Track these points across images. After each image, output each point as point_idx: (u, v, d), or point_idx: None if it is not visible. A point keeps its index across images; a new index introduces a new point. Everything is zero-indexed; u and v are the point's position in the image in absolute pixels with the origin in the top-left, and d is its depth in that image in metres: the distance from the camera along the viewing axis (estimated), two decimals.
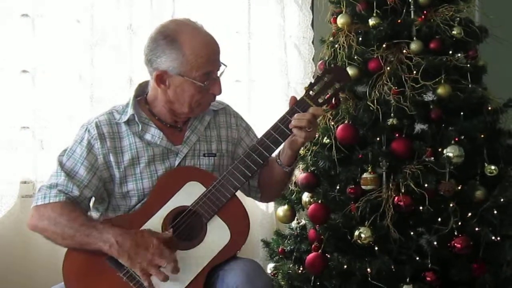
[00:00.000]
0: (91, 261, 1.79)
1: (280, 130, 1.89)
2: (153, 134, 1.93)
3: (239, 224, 1.85)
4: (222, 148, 2.02)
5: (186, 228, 1.83)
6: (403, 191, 2.27)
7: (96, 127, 1.90)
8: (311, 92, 1.93)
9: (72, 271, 1.80)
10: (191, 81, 1.87)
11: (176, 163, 1.94)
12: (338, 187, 2.44)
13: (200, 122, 2.01)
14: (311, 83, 1.96)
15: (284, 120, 1.91)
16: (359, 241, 2.29)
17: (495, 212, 2.32)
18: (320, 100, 1.93)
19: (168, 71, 1.87)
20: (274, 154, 1.98)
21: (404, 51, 2.44)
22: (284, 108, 3.18)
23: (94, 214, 1.97)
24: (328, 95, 1.94)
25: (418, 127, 2.45)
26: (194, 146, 1.97)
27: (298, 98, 1.95)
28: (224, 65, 1.93)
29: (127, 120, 1.92)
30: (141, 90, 2.01)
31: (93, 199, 1.94)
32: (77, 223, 1.79)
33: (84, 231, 1.77)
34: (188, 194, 1.85)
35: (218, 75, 1.92)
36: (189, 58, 1.85)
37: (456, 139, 2.33)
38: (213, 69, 1.90)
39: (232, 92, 3.02)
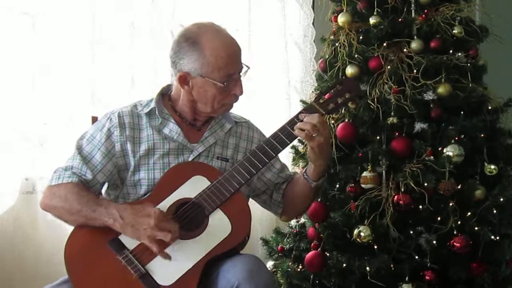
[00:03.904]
0: (93, 243, 1.85)
1: (287, 132, 1.94)
2: (172, 129, 1.99)
3: (241, 219, 1.87)
4: (238, 158, 2.06)
5: (188, 219, 1.87)
6: (402, 190, 2.27)
7: (118, 117, 1.98)
8: (321, 100, 1.99)
9: (74, 251, 1.85)
10: (211, 81, 1.92)
11: (190, 160, 1.98)
12: (337, 186, 2.44)
13: (221, 128, 2.06)
14: (321, 91, 2.03)
15: (292, 123, 1.95)
16: (358, 239, 2.29)
17: (495, 211, 2.32)
18: (329, 107, 1.99)
19: (190, 72, 1.93)
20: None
21: (405, 50, 2.44)
22: (285, 106, 3.22)
23: None
24: (337, 103, 1.99)
25: (418, 126, 2.46)
26: (210, 148, 2.02)
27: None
28: (247, 66, 1.98)
29: (148, 112, 1.99)
30: (167, 89, 2.07)
31: (106, 184, 2.00)
32: (84, 199, 1.86)
33: (91, 206, 1.84)
34: (193, 187, 1.89)
35: (240, 75, 1.97)
36: (210, 59, 1.90)
37: (456, 138, 2.33)
38: (234, 70, 1.95)
39: None
